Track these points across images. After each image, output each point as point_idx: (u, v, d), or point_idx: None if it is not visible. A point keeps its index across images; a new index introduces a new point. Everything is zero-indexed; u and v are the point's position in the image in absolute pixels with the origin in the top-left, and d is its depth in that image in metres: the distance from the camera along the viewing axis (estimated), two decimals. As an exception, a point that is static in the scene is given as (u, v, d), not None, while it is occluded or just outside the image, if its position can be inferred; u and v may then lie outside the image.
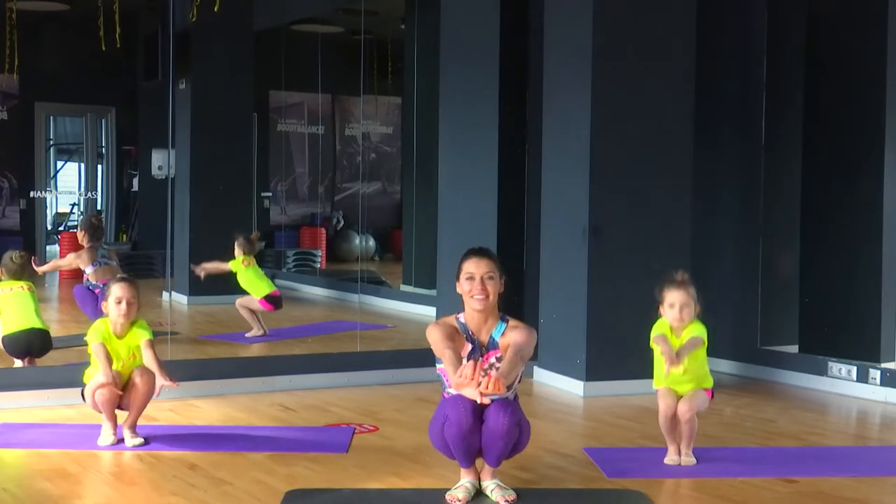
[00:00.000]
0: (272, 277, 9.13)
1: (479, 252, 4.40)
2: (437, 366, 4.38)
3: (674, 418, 4.96)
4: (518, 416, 4.28)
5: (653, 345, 4.99)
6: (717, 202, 7.77)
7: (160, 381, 5.15)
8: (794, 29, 7.81)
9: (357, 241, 12.35)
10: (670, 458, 5.02)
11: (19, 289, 6.84)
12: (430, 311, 8.65)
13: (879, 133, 7.31)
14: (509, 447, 4.32)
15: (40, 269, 7.65)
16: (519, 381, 4.36)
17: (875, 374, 6.77)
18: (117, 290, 5.27)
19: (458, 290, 4.40)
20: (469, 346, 4.34)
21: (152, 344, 5.26)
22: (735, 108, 7.85)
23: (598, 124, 6.75)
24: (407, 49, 11.49)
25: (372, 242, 12.82)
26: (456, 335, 4.35)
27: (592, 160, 6.76)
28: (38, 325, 6.82)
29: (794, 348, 7.64)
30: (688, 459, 5.00)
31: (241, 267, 8.48)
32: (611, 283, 6.78)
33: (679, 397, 4.93)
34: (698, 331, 4.94)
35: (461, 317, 4.42)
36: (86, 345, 5.29)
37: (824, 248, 7.63)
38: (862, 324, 7.44)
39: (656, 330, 4.99)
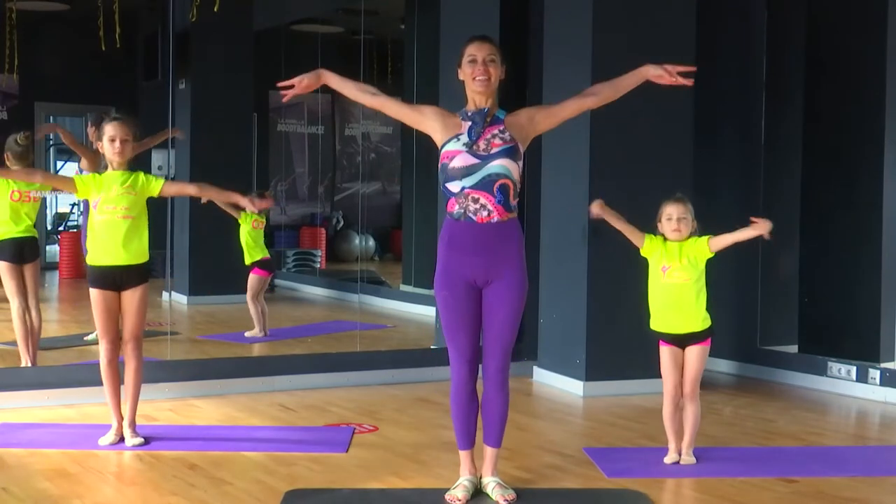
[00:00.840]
0: (272, 278, 9.14)
1: (482, 37, 4.39)
2: (441, 152, 4.30)
3: (678, 410, 4.97)
4: (509, 358, 4.31)
5: (643, 253, 5.03)
6: (716, 202, 7.76)
7: (241, 201, 5.31)
8: (794, 29, 7.82)
9: (357, 241, 12.34)
10: (670, 458, 5.02)
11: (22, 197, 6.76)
12: (429, 311, 8.65)
13: (879, 133, 7.32)
14: (506, 407, 4.35)
15: (41, 132, 7.40)
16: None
17: (875, 374, 6.77)
18: (110, 130, 5.15)
19: (460, 76, 4.37)
20: (467, 124, 4.28)
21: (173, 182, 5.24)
22: (735, 107, 7.85)
23: (598, 124, 6.75)
24: (407, 49, 11.49)
25: (372, 242, 12.82)
26: (451, 118, 4.34)
27: (592, 160, 6.77)
28: (30, 234, 6.78)
29: (793, 348, 7.65)
30: (688, 459, 5.01)
31: (250, 226, 8.52)
32: (610, 284, 6.78)
33: (682, 361, 4.93)
34: (702, 241, 4.96)
35: (462, 109, 4.38)
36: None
37: (824, 248, 7.64)
38: (861, 324, 7.44)
39: (649, 241, 5.01)
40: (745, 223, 4.95)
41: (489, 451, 4.44)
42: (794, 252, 7.77)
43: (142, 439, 5.24)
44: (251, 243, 8.55)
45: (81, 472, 4.80)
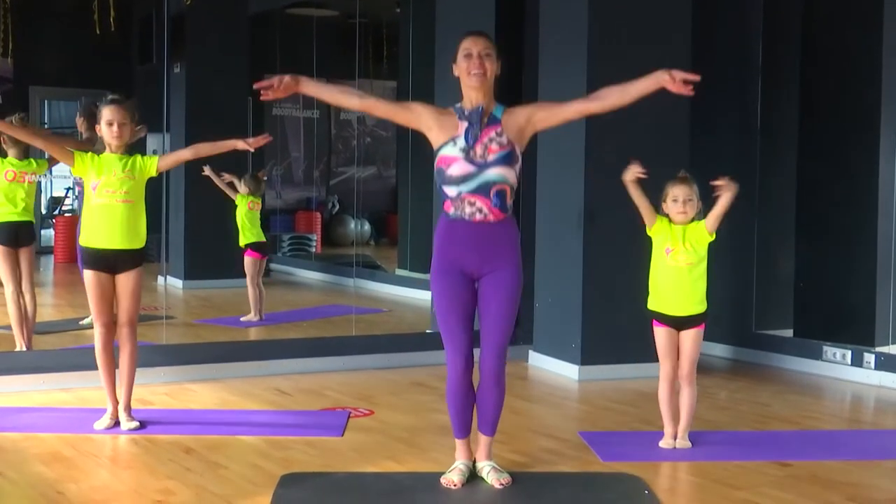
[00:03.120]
0: (268, 262, 9.13)
1: (477, 32, 4.35)
2: (437, 156, 4.30)
3: (674, 393, 4.98)
4: (505, 353, 4.30)
5: (650, 232, 5.03)
6: (712, 188, 7.76)
7: (239, 144, 5.22)
8: (791, 16, 7.81)
9: (352, 225, 12.32)
10: (665, 442, 5.03)
11: (22, 177, 6.76)
12: (425, 296, 8.65)
13: (875, 120, 7.32)
14: (501, 398, 4.35)
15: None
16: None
17: (869, 358, 6.79)
18: (107, 113, 5.13)
19: (455, 71, 4.32)
20: (464, 125, 4.25)
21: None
22: (731, 94, 7.84)
23: (594, 109, 6.74)
24: (402, 33, 11.46)
25: (367, 227, 12.80)
26: (446, 116, 4.31)
27: (588, 145, 6.76)
28: (26, 217, 6.80)
29: (788, 332, 7.66)
30: (683, 443, 5.01)
31: (246, 207, 8.53)
32: (606, 268, 6.78)
33: (678, 343, 4.94)
34: (698, 224, 4.97)
35: (457, 105, 4.35)
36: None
37: (819, 232, 7.64)
38: (856, 308, 7.45)
39: (659, 221, 5.01)
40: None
41: (484, 438, 4.45)
42: (790, 236, 7.77)
43: (137, 423, 5.25)
44: (246, 224, 8.55)
45: (77, 455, 4.80)
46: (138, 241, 5.23)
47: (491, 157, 4.21)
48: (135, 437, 5.11)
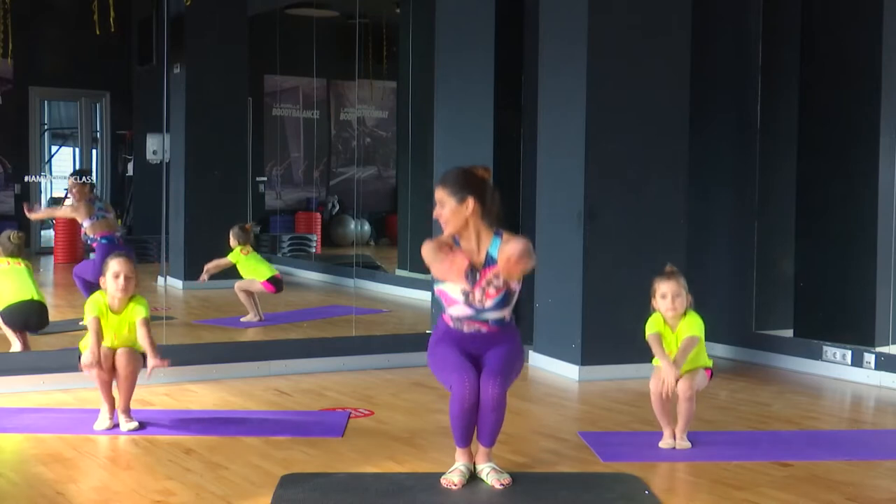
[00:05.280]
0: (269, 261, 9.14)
1: (440, 178, 4.45)
2: (436, 286, 4.43)
3: (666, 399, 4.97)
4: (507, 383, 4.32)
5: (648, 340, 5.02)
6: (712, 186, 7.77)
7: (151, 361, 5.15)
8: (790, 16, 7.80)
9: (352, 225, 12.33)
10: (665, 442, 5.03)
11: (17, 265, 6.87)
12: (425, 296, 8.65)
13: (874, 118, 7.31)
14: (501, 420, 4.34)
15: (34, 216, 7.64)
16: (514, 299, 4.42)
17: (869, 358, 6.78)
18: (115, 266, 5.24)
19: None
20: (467, 261, 4.32)
21: (147, 322, 5.25)
22: (730, 92, 7.84)
23: (594, 108, 6.75)
24: (402, 32, 11.46)
25: (367, 227, 12.81)
26: (451, 248, 4.38)
27: (588, 144, 6.76)
28: (35, 297, 6.86)
29: (788, 332, 7.65)
30: (682, 443, 5.01)
31: (241, 257, 8.56)
32: (606, 268, 6.78)
33: (677, 377, 4.94)
34: (694, 327, 4.97)
35: (455, 235, 4.41)
36: (83, 319, 5.29)
37: (819, 232, 7.63)
38: (857, 308, 7.45)
39: (651, 327, 5.02)
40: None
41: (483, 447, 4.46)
42: (790, 236, 7.76)
43: (136, 424, 5.24)
44: (255, 266, 8.58)
45: (77, 456, 4.80)
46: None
47: (489, 303, 4.36)
48: (134, 438, 5.11)
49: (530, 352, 7.21)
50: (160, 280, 8.97)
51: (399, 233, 11.88)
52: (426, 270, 4.53)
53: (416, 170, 11.26)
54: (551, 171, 7.12)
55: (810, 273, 7.68)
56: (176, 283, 9.77)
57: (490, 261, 4.35)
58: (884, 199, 7.32)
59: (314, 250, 11.89)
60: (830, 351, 7.00)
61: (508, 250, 4.15)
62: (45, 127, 10.99)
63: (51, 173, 11.55)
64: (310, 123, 12.90)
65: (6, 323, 6.80)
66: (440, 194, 4.37)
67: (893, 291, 7.24)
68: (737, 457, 4.91)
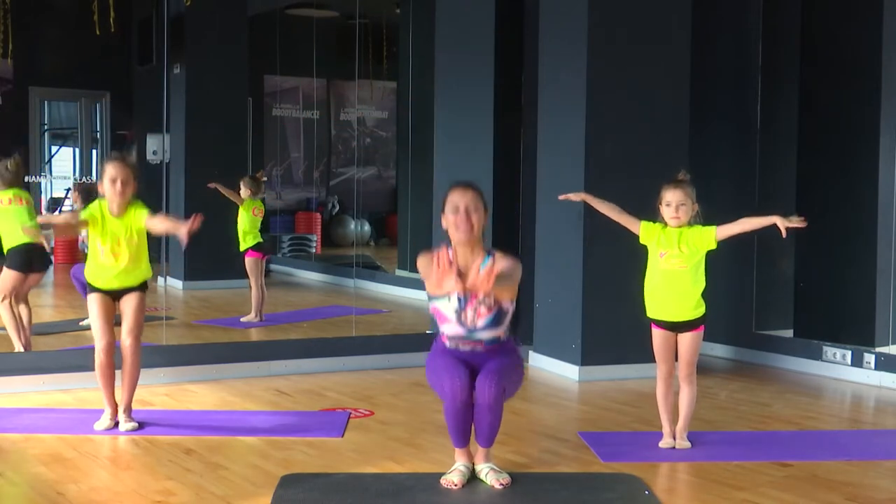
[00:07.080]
0: (267, 262, 9.13)
1: (464, 185, 4.41)
2: (431, 303, 4.44)
3: (672, 393, 4.97)
4: (504, 385, 4.30)
5: (642, 241, 4.99)
6: (712, 185, 7.75)
7: (182, 230, 5.07)
8: (790, 16, 7.80)
9: (352, 225, 12.32)
10: (665, 442, 5.03)
11: (17, 203, 6.81)
12: (425, 296, 8.63)
13: (874, 118, 7.32)
14: (497, 421, 4.34)
15: (38, 220, 7.59)
16: (509, 317, 4.42)
17: (869, 358, 6.79)
18: (111, 170, 5.19)
19: (444, 223, 4.40)
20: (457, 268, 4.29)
21: (153, 214, 5.24)
22: (730, 92, 7.84)
23: (594, 107, 6.75)
24: (402, 33, 11.46)
25: (367, 227, 12.80)
26: (450, 263, 4.33)
27: (588, 143, 6.76)
28: (37, 238, 6.80)
29: (788, 332, 7.66)
30: (682, 443, 5.01)
31: (251, 213, 8.58)
32: (606, 268, 6.78)
33: (675, 345, 4.92)
34: (706, 234, 4.88)
35: (449, 251, 4.40)
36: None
37: (820, 232, 7.61)
38: (857, 308, 7.45)
39: (645, 229, 4.97)
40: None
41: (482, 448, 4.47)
42: (790, 237, 7.74)
43: (136, 424, 5.25)
44: (248, 229, 8.57)
45: (77, 456, 4.80)
46: (142, 276, 5.37)
47: (480, 323, 4.37)
48: (135, 438, 5.12)
49: (530, 352, 7.21)
50: (160, 280, 8.97)
51: (399, 233, 11.87)
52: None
53: (416, 170, 11.26)
54: (551, 171, 7.12)
55: (810, 273, 7.68)
56: (176, 284, 9.76)
57: None
58: (884, 199, 7.32)
59: (314, 250, 11.88)
60: (830, 351, 7.00)
61: (489, 265, 4.11)
62: (45, 127, 10.99)
63: (51, 173, 11.54)
64: (310, 124, 12.89)
65: (11, 267, 6.73)
66: (469, 199, 4.32)
67: (893, 292, 7.24)
68: (737, 457, 4.91)
